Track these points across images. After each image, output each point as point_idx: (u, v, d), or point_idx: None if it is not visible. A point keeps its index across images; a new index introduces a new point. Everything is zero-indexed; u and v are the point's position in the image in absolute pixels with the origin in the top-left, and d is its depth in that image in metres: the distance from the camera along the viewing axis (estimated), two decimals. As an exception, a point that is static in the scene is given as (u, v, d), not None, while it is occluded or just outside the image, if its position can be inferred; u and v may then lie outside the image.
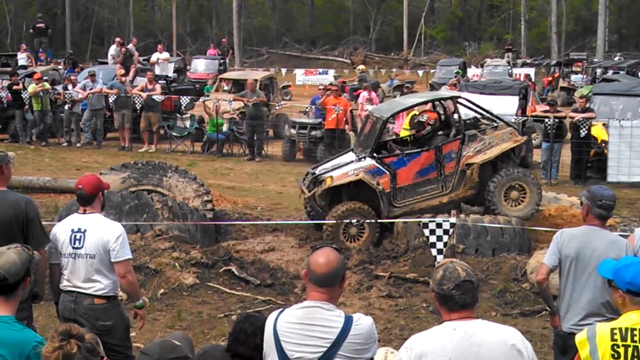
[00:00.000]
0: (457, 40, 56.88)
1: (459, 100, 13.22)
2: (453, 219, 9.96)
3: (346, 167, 12.33)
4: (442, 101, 13.65)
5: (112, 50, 28.06)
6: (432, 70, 39.51)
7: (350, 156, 12.83)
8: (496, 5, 59.88)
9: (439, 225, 9.72)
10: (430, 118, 12.96)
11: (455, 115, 12.96)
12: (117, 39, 28.66)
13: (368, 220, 11.88)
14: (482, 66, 38.09)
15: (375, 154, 12.33)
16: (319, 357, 3.90)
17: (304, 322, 3.97)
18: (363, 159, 12.28)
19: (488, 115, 13.42)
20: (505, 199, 12.36)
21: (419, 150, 12.58)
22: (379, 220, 11.86)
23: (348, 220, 11.86)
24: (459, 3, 61.33)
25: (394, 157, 12.44)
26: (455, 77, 28.92)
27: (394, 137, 13.80)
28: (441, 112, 13.71)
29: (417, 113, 17.75)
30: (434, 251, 9.74)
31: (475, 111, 13.60)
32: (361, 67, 36.34)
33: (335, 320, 3.97)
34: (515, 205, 12.41)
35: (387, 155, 12.53)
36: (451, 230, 9.85)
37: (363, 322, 4.00)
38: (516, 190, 12.43)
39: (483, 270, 10.56)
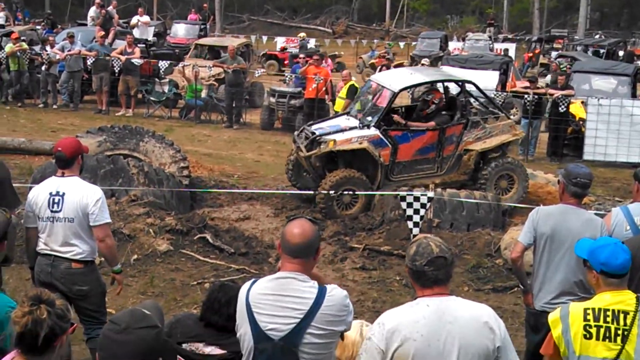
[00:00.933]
0: (440, 13, 56.81)
1: (468, 85, 13.27)
2: (430, 193, 9.95)
3: (349, 133, 12.25)
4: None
5: (92, 11, 27.69)
6: (413, 43, 39.40)
7: (349, 120, 12.76)
8: (480, -21, 59.79)
9: (416, 199, 9.71)
10: (436, 97, 12.93)
11: (462, 99, 13.04)
12: (97, 1, 28.29)
13: (358, 192, 11.88)
14: (463, 40, 38.08)
15: (381, 124, 12.29)
16: (292, 329, 3.87)
17: (277, 293, 3.93)
18: (367, 128, 12.24)
19: (491, 104, 13.62)
20: (494, 187, 12.60)
21: (424, 129, 12.53)
22: (366, 192, 11.88)
23: (335, 192, 11.81)
24: (443, -24, 61.13)
25: (399, 132, 12.42)
26: (386, 50, 29.31)
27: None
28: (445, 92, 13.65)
29: (357, 85, 17.85)
30: (410, 224, 9.74)
31: (481, 98, 13.66)
32: (302, 34, 36.11)
33: (309, 291, 3.94)
34: (505, 194, 12.63)
35: (393, 128, 12.44)
36: (428, 204, 9.86)
37: (336, 294, 3.97)
38: (505, 180, 12.69)
39: (457, 245, 10.59)
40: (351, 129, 12.34)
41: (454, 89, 13.74)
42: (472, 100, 13.72)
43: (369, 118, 12.39)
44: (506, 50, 34.52)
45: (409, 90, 15.17)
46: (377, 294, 9.30)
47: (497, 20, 49.43)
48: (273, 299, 3.92)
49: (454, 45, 37.76)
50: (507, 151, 13.30)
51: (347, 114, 13.32)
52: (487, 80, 19.47)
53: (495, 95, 18.78)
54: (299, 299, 3.91)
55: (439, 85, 13.50)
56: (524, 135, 13.47)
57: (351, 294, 9.15)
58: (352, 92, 17.60)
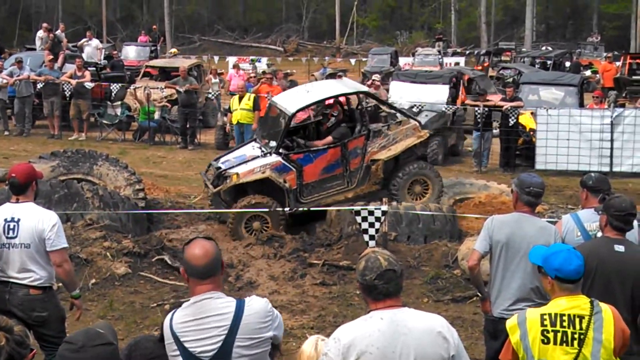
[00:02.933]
0: (389, 29, 57.32)
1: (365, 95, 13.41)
2: (384, 207, 10.05)
3: (252, 163, 12.16)
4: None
5: (39, 33, 27.46)
6: (364, 59, 39.69)
7: (254, 149, 12.67)
8: (427, -6, 60.50)
9: (370, 213, 9.81)
10: (334, 110, 13.02)
11: (361, 110, 13.04)
12: (44, 25, 28.04)
13: (279, 209, 11.84)
14: (413, 55, 38.45)
15: (281, 150, 12.21)
16: (220, 347, 3.91)
17: (197, 318, 3.96)
18: (269, 155, 12.17)
19: (393, 110, 13.61)
20: (408, 192, 12.64)
21: (325, 147, 12.45)
22: (286, 209, 11.90)
23: (281, 209, 11.83)
24: (391, -8, 61.76)
25: (300, 154, 12.29)
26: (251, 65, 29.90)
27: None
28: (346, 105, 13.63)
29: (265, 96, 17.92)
30: (366, 237, 9.83)
31: (380, 105, 13.77)
32: (173, 50, 36.00)
33: (227, 306, 3.98)
34: (419, 198, 12.68)
35: (293, 152, 12.35)
36: (383, 218, 9.94)
37: (255, 303, 4.03)
38: (419, 184, 12.71)
39: (415, 257, 10.69)
40: (254, 158, 12.27)
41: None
42: (381, 106, 13.90)
43: (272, 143, 12.33)
44: (457, 63, 34.95)
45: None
46: (337, 308, 9.33)
47: (446, 35, 50.06)
48: (195, 323, 3.95)
49: (404, 61, 38.10)
50: (420, 152, 13.32)
51: (254, 140, 13.27)
52: (438, 94, 19.74)
53: (446, 109, 19.05)
54: (219, 316, 3.96)
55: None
56: (428, 135, 13.36)
57: (312, 309, 9.23)
58: (258, 103, 17.80)
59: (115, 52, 31.29)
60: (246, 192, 12.17)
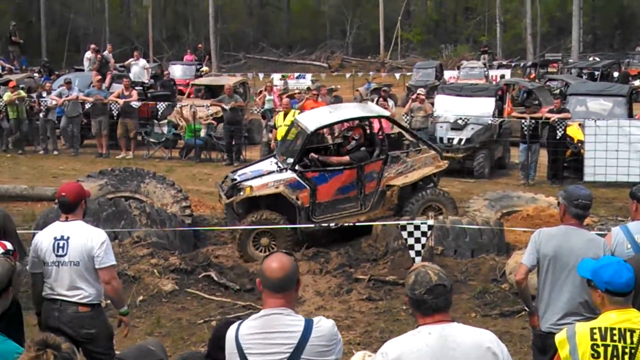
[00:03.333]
0: (434, 42, 57.09)
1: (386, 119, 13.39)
2: (430, 221, 9.98)
3: (267, 177, 12.20)
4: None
5: (88, 54, 27.92)
6: (408, 73, 39.61)
7: (271, 164, 12.71)
8: (471, 7, 60.23)
9: (416, 227, 9.74)
10: (355, 133, 13.03)
11: (381, 134, 13.00)
12: (92, 46, 28.50)
13: (359, 223, 11.86)
14: (458, 68, 38.27)
15: (297, 167, 12.22)
16: None
17: (264, 331, 3.94)
18: (284, 171, 12.19)
19: (414, 138, 13.47)
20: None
21: (341, 167, 12.44)
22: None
23: (335, 225, 11.81)
24: (435, 6, 61.62)
25: (316, 173, 12.30)
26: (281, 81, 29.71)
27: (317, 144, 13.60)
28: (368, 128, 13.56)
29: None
30: (412, 253, 9.75)
31: (402, 132, 13.68)
32: (204, 68, 35.85)
33: (296, 324, 3.95)
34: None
35: (309, 170, 12.36)
36: (429, 232, 9.87)
37: (323, 324, 3.99)
38: (433, 211, 12.45)
39: (462, 271, 10.59)
40: (270, 173, 12.30)
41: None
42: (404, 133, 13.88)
43: (289, 160, 12.37)
44: (503, 76, 34.68)
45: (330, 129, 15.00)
46: (384, 324, 9.29)
47: (491, 47, 49.71)
48: (261, 337, 3.94)
49: (449, 74, 37.92)
50: (437, 180, 13.22)
51: (274, 156, 13.32)
52: (484, 107, 19.59)
53: (492, 121, 18.92)
54: (287, 333, 3.93)
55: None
56: (446, 166, 13.23)
57: (358, 325, 9.19)
58: None
59: (166, 72, 31.65)
60: (259, 206, 12.17)
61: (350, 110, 13.87)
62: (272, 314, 3.97)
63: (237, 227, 11.92)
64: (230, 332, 4.04)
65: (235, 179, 12.45)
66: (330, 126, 13.55)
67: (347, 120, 13.47)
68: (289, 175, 12.12)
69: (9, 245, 5.52)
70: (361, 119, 13.28)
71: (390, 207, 12.51)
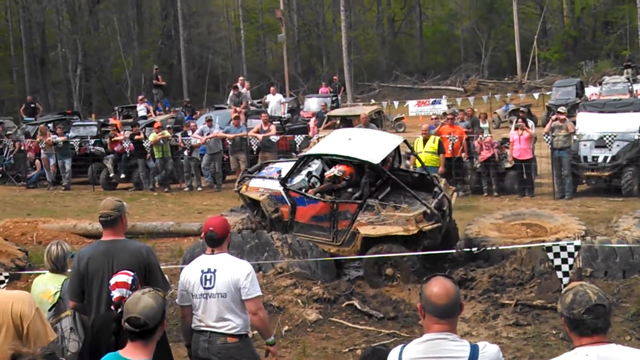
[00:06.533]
0: (573, 60, 55.56)
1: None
2: (578, 242, 9.63)
3: (265, 182, 12.82)
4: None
5: (230, 94, 28.91)
6: (548, 92, 38.67)
7: (279, 171, 13.22)
8: (611, 21, 58.28)
9: (563, 248, 9.41)
10: (346, 173, 12.80)
11: (365, 179, 12.49)
12: (240, 81, 29.51)
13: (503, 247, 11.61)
14: (599, 84, 37.08)
15: (285, 183, 12.58)
16: None
17: (429, 356, 3.89)
18: (279, 183, 12.65)
19: (411, 193, 12.58)
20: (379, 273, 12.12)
21: (316, 198, 12.53)
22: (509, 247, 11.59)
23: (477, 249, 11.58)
24: (572, 23, 60.04)
25: (297, 194, 12.63)
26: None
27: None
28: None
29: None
30: (559, 274, 9.41)
31: (395, 179, 12.84)
32: (323, 104, 33.80)
33: (462, 350, 3.88)
34: (392, 282, 12.02)
35: (292, 189, 12.66)
36: (576, 253, 9.52)
37: (489, 350, 3.89)
38: (391, 267, 12.03)
39: (614, 293, 10.14)
40: (271, 179, 12.83)
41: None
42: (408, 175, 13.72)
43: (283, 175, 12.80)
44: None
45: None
46: (533, 349, 9.02)
47: (634, 61, 47.89)
48: None
49: (590, 91, 36.80)
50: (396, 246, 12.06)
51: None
52: (629, 122, 18.87)
53: (638, 137, 18.19)
54: (453, 358, 3.86)
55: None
56: (415, 232, 11.92)
57: (506, 351, 8.95)
58: (442, 146, 18.07)
59: (302, 106, 32.32)
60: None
61: (361, 142, 13.18)
62: (437, 339, 3.92)
63: (386, 255, 11.83)
64: (393, 356, 4.01)
65: (249, 171, 13.36)
66: (325, 157, 13.48)
67: (339, 157, 13.03)
68: (278, 188, 12.60)
69: (131, 275, 5.69)
70: (346, 157, 12.87)
71: (357, 252, 12.22)
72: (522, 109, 25.41)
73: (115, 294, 5.55)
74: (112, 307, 5.56)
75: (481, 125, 22.03)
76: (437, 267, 12.16)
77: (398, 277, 11.92)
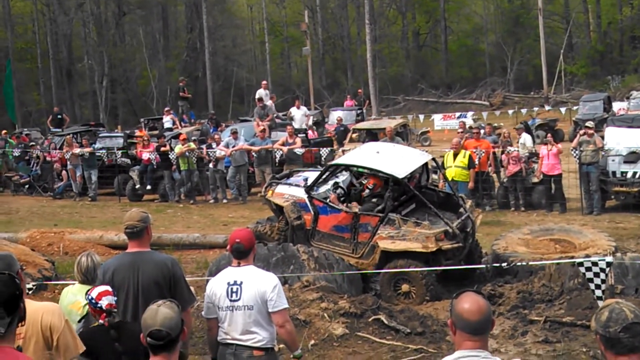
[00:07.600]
0: (599, 74, 55.23)
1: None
2: (609, 258, 9.48)
3: (291, 189, 12.79)
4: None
5: (256, 108, 28.89)
6: (574, 107, 38.42)
7: (306, 179, 13.17)
8: (638, 36, 57.88)
9: (594, 264, 9.27)
10: (370, 182, 12.72)
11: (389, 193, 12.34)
12: (264, 85, 29.62)
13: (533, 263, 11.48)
14: (627, 99, 36.77)
15: (310, 191, 12.56)
16: None
17: None
18: (304, 190, 12.61)
19: (434, 212, 12.37)
20: (394, 289, 12.00)
21: (338, 208, 12.44)
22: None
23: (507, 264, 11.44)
24: (599, 37, 59.70)
25: (320, 203, 12.56)
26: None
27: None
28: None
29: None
30: (591, 286, 9.24)
31: (419, 195, 12.64)
32: (337, 118, 33.46)
33: None
34: (407, 298, 11.89)
35: (316, 197, 12.58)
36: (607, 269, 9.37)
37: None
38: (407, 283, 11.90)
39: (646, 311, 9.97)
40: (297, 186, 12.78)
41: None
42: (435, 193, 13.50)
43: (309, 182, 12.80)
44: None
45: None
46: (563, 367, 8.87)
47: (662, 76, 47.58)
48: None
49: (618, 106, 36.49)
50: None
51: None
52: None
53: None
54: None
55: None
56: (434, 250, 11.80)
57: (536, 368, 8.82)
58: (473, 161, 18.00)
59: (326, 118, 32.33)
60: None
61: (388, 156, 13.01)
62: (470, 356, 3.87)
63: (413, 269, 11.73)
64: None
65: (275, 176, 13.43)
66: (343, 167, 13.47)
67: (364, 168, 13.02)
68: (303, 195, 12.60)
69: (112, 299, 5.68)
70: (370, 169, 12.84)
71: (376, 265, 12.10)
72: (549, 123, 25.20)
73: (104, 302, 5.54)
74: (102, 319, 5.52)
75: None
76: (459, 287, 12.01)
77: (414, 294, 11.82)
